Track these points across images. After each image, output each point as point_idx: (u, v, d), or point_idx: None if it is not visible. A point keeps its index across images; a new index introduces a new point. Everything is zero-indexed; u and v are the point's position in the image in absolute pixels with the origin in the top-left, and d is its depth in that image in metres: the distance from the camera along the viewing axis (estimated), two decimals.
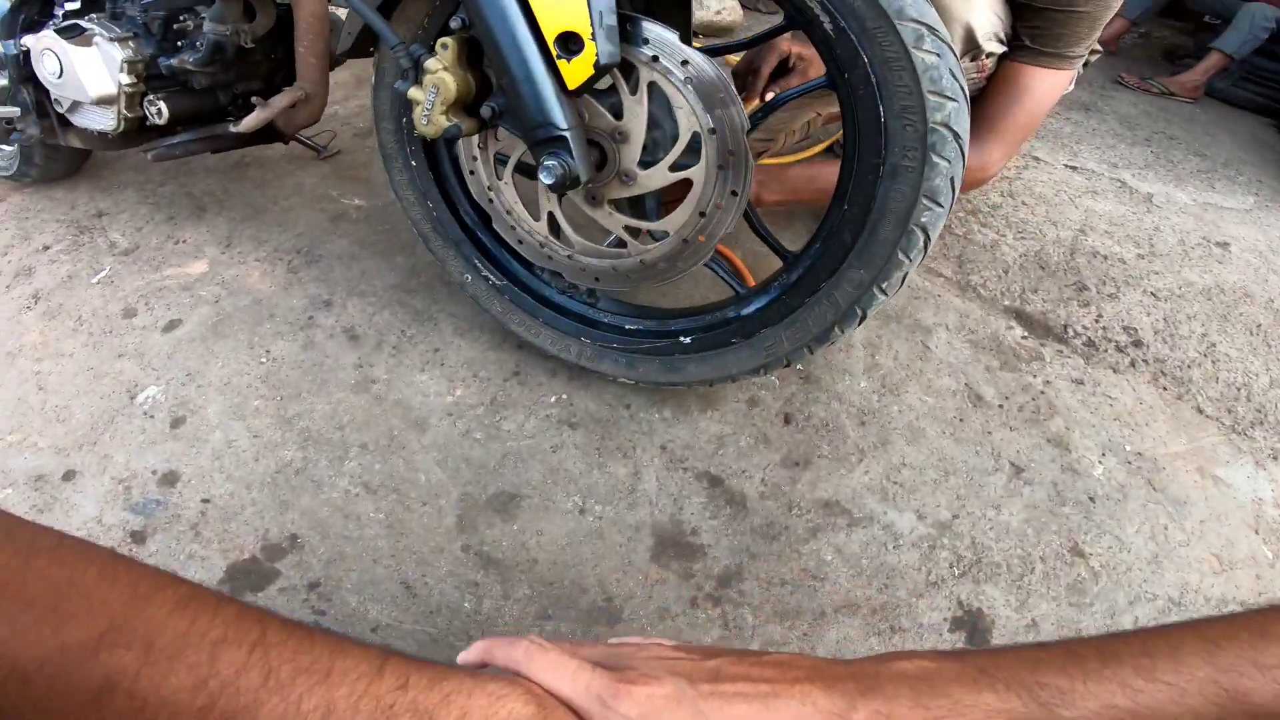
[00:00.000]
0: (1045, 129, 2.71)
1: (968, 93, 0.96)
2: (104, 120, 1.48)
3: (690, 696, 0.50)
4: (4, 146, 1.83)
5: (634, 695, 0.49)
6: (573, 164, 0.99)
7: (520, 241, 1.25)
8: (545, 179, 1.00)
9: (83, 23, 1.42)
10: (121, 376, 1.34)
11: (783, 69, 1.22)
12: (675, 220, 1.10)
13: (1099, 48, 1.63)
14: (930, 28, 0.91)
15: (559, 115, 0.97)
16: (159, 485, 1.15)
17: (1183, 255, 1.96)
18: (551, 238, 1.21)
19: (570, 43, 0.93)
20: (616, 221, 1.14)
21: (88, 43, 1.40)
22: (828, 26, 0.94)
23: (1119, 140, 2.73)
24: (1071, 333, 1.60)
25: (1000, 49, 1.30)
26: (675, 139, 1.02)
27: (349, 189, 1.91)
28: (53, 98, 1.53)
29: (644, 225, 1.14)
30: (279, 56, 1.51)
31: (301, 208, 1.83)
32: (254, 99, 1.47)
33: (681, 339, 1.21)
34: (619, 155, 1.06)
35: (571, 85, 0.95)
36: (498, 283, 1.33)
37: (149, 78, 1.43)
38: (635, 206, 1.19)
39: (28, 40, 1.46)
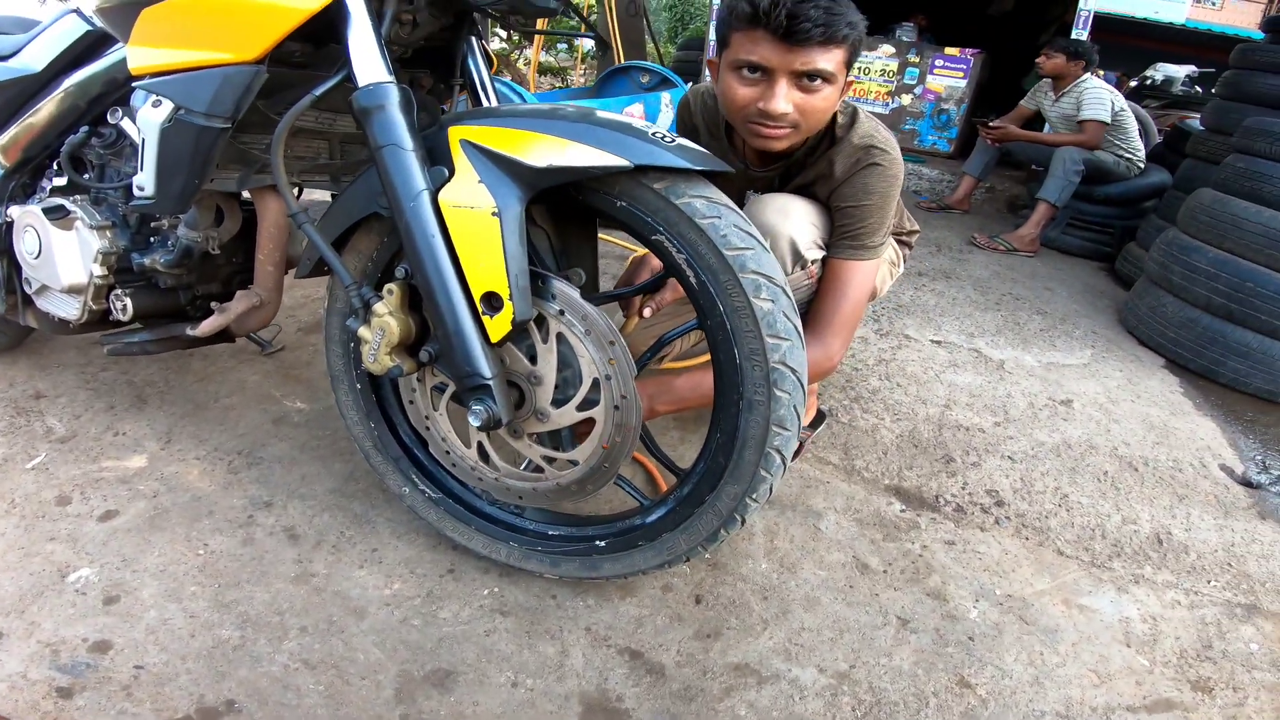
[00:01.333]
0: (913, 303, 3.05)
1: (801, 332, 1.15)
2: (69, 309, 1.51)
3: None
4: None
5: None
6: (496, 409, 1.15)
7: (454, 464, 1.38)
8: (473, 420, 1.15)
9: (67, 204, 1.45)
10: (53, 557, 1.37)
11: (657, 284, 1.40)
12: (583, 451, 1.26)
13: (916, 227, 1.88)
14: (768, 277, 1.11)
15: (484, 365, 1.13)
16: (89, 652, 1.19)
17: (1032, 417, 2.23)
18: (481, 463, 1.35)
19: (493, 300, 1.10)
20: (535, 451, 1.30)
21: (69, 225, 1.44)
22: (692, 280, 1.13)
23: (974, 307, 3.10)
24: (942, 501, 1.80)
25: (821, 254, 1.50)
26: (581, 380, 1.19)
27: (291, 390, 2.00)
28: (24, 276, 1.56)
29: (558, 455, 1.30)
30: (238, 260, 1.58)
31: (243, 406, 1.91)
32: (212, 303, 1.53)
33: (597, 543, 1.34)
34: (535, 396, 1.22)
35: (494, 338, 1.13)
36: (433, 495, 1.45)
37: (118, 270, 1.47)
38: (552, 437, 1.34)
39: (14, 211, 1.51)
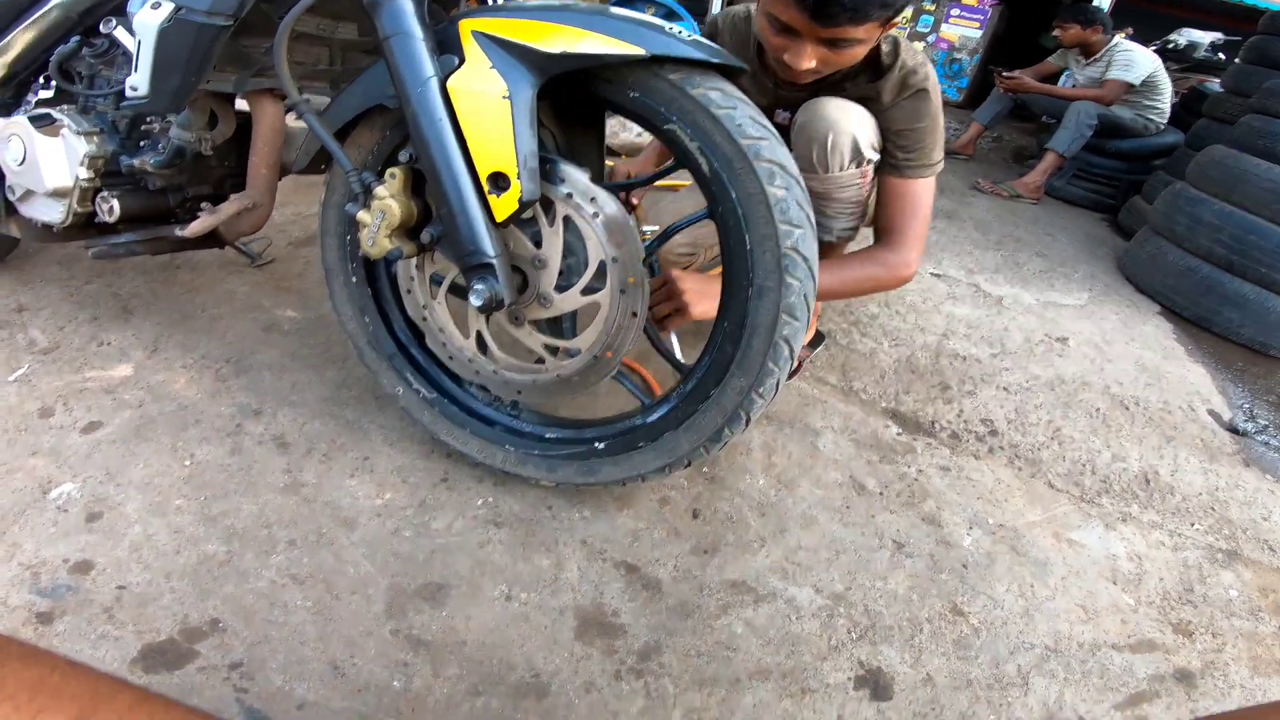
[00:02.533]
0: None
1: (813, 222, 1.14)
2: (53, 212, 1.48)
3: None
4: None
5: None
6: (498, 288, 1.12)
7: (451, 357, 1.36)
8: (475, 300, 1.12)
9: (54, 112, 1.43)
10: (35, 473, 1.33)
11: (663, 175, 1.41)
12: (586, 338, 1.24)
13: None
14: (781, 166, 1.09)
15: (488, 245, 1.10)
16: (70, 573, 1.15)
17: (1029, 352, 2.23)
18: (479, 354, 1.33)
19: (500, 181, 1.08)
20: (537, 340, 1.28)
21: (55, 133, 1.42)
22: (704, 168, 1.11)
23: (975, 246, 3.08)
24: (938, 427, 1.80)
25: (876, 157, 1.53)
26: (587, 265, 1.17)
27: (281, 299, 1.96)
28: (7, 184, 1.52)
29: (560, 343, 1.28)
30: (231, 164, 1.56)
31: (232, 316, 1.86)
32: (202, 204, 1.50)
33: (596, 445, 1.32)
34: (539, 280, 1.20)
35: (499, 218, 1.10)
36: (428, 395, 1.42)
37: (106, 174, 1.46)
38: (553, 325, 1.32)
39: None
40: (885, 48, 1.49)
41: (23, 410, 1.47)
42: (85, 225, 1.52)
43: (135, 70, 1.25)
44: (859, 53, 1.38)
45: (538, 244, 1.19)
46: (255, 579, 1.19)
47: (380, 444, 1.49)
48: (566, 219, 1.16)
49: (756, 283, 1.12)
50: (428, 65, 1.07)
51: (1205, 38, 10.19)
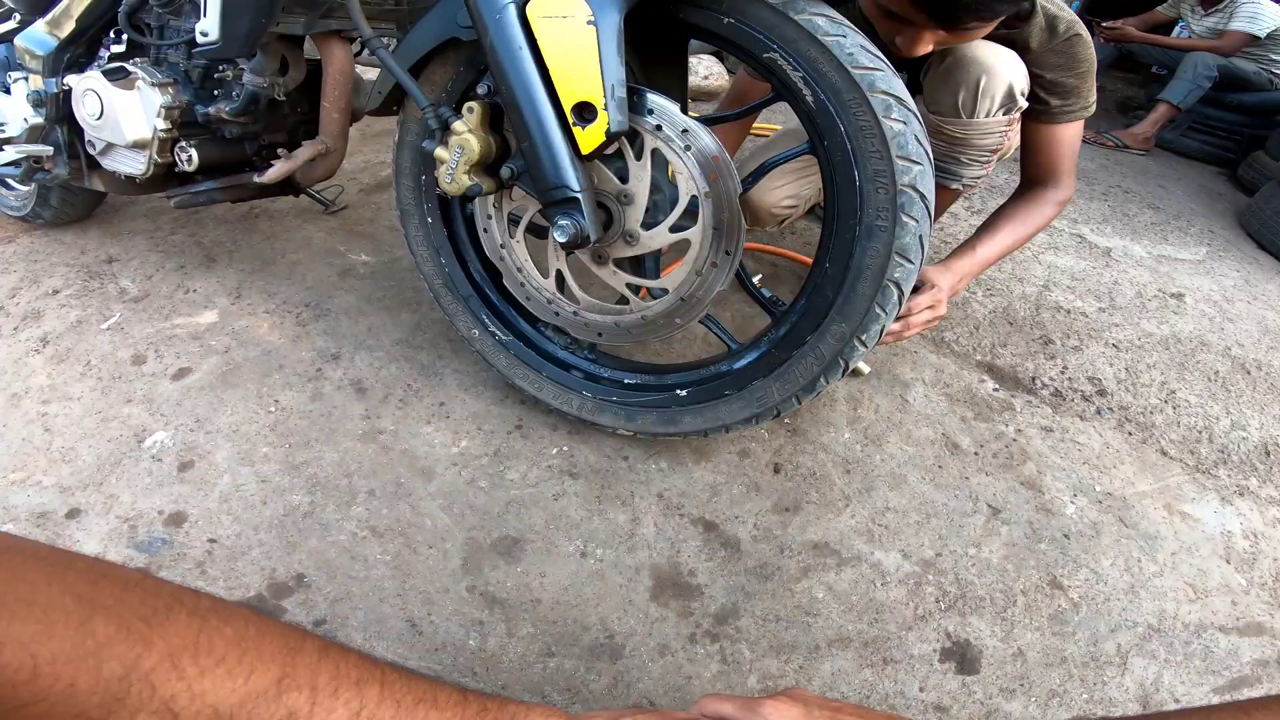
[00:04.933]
0: (1008, 185, 2.86)
1: (931, 158, 1.06)
2: (135, 164, 1.50)
3: None
4: (19, 186, 1.84)
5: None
6: (584, 224, 1.07)
7: (528, 298, 1.32)
8: (559, 237, 1.08)
9: (128, 65, 1.45)
10: (130, 421, 1.37)
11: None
12: (674, 278, 1.18)
13: None
14: (898, 98, 1.01)
15: (573, 178, 1.06)
16: (165, 525, 1.18)
17: (1141, 307, 2.07)
18: (558, 294, 1.29)
19: (585, 112, 1.02)
20: (620, 279, 1.22)
21: (130, 85, 1.44)
22: (809, 100, 1.04)
23: (1079, 195, 2.88)
24: (1039, 384, 1.69)
25: (1025, 105, 1.46)
26: (674, 203, 1.11)
27: (355, 244, 1.97)
28: (86, 139, 1.55)
29: (645, 283, 1.22)
30: (303, 110, 1.57)
31: (310, 261, 1.89)
32: (278, 150, 1.53)
33: (677, 392, 1.27)
34: (624, 217, 1.15)
35: (585, 151, 1.04)
36: (504, 338, 1.39)
37: (183, 124, 1.47)
38: (636, 265, 1.27)
39: (71, 80, 1.49)
40: None
41: (116, 358, 1.51)
42: (166, 176, 1.53)
43: (204, 16, 1.24)
44: (982, 33, 1.28)
45: (623, 179, 1.13)
46: (337, 531, 1.19)
47: (455, 389, 1.47)
48: (655, 152, 1.10)
49: (867, 223, 1.05)
50: None
51: None
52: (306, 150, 1.49)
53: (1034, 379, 1.70)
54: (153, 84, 1.42)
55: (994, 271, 2.12)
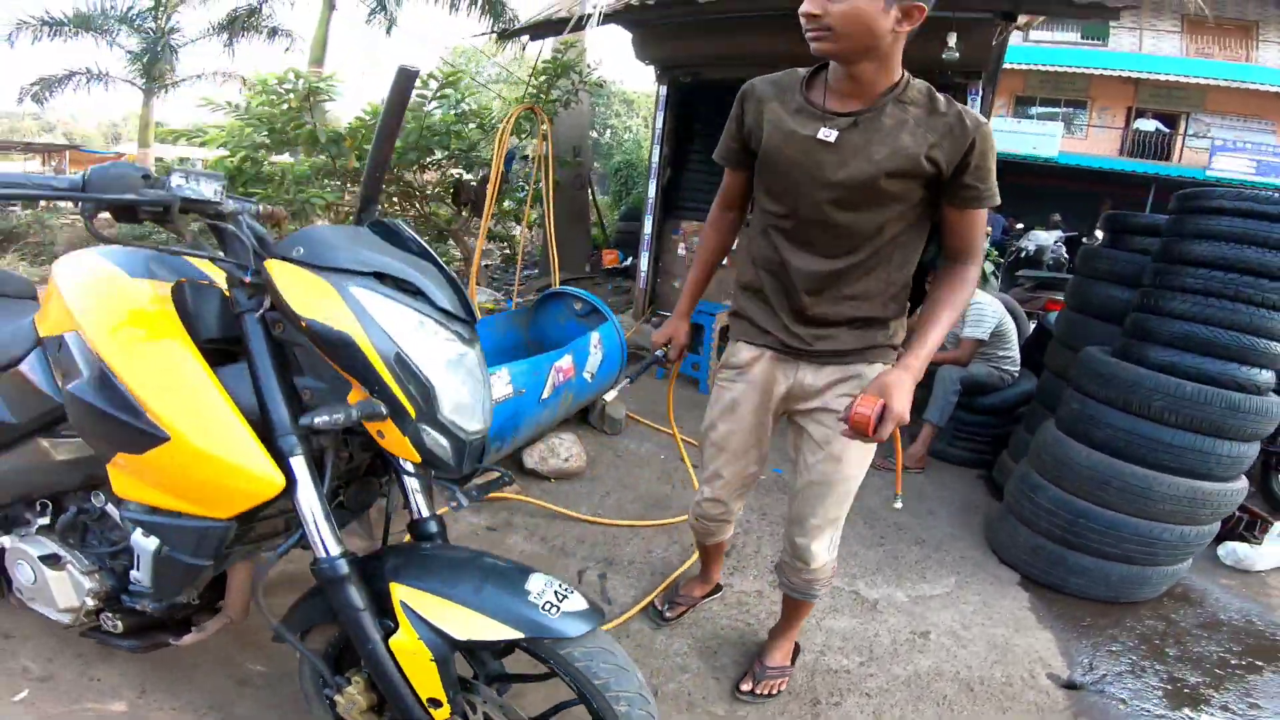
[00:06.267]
0: None
1: None
2: (61, 618, 1.60)
3: None
4: None
5: None
6: None
7: None
8: None
9: (61, 552, 1.57)
10: None
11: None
12: None
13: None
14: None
15: None
16: None
17: (893, 654, 2.57)
18: None
19: (434, 703, 1.38)
20: None
21: (62, 568, 1.56)
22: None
23: (861, 544, 3.32)
24: None
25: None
26: None
27: (250, 654, 2.10)
28: (15, 586, 1.64)
29: None
30: (217, 590, 1.68)
31: (209, 665, 2.01)
32: (193, 620, 1.67)
33: None
34: None
35: None
36: None
37: (108, 598, 1.58)
38: None
39: (4, 540, 1.60)
40: (915, 84, 1.73)
41: None
42: (91, 629, 1.63)
43: (138, 569, 1.42)
44: (854, 8, 1.56)
45: None
46: None
47: None
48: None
49: None
50: (373, 632, 1.36)
51: (1049, 238, 11.23)
52: (216, 623, 1.67)
53: None
54: (83, 571, 1.55)
55: None
